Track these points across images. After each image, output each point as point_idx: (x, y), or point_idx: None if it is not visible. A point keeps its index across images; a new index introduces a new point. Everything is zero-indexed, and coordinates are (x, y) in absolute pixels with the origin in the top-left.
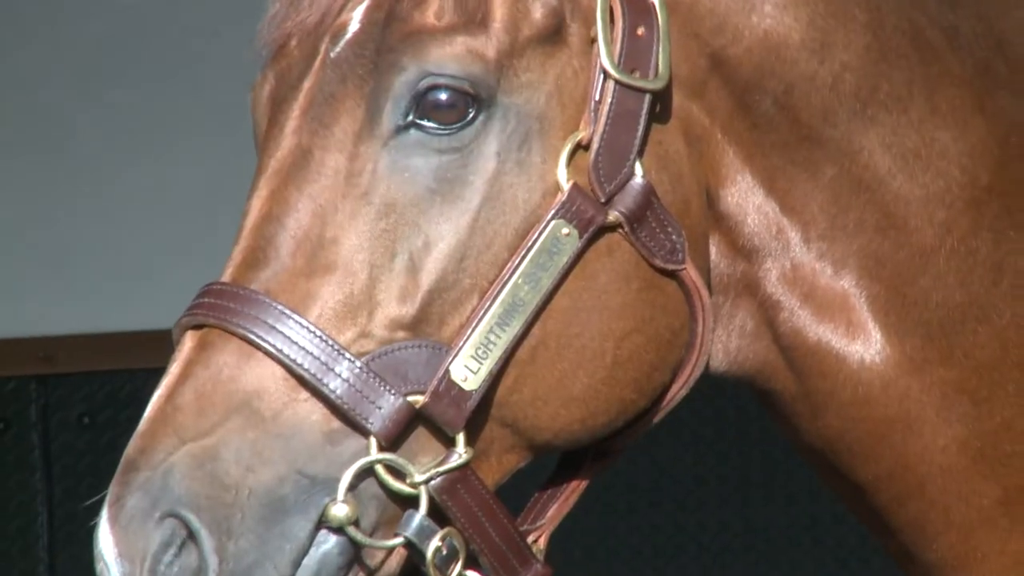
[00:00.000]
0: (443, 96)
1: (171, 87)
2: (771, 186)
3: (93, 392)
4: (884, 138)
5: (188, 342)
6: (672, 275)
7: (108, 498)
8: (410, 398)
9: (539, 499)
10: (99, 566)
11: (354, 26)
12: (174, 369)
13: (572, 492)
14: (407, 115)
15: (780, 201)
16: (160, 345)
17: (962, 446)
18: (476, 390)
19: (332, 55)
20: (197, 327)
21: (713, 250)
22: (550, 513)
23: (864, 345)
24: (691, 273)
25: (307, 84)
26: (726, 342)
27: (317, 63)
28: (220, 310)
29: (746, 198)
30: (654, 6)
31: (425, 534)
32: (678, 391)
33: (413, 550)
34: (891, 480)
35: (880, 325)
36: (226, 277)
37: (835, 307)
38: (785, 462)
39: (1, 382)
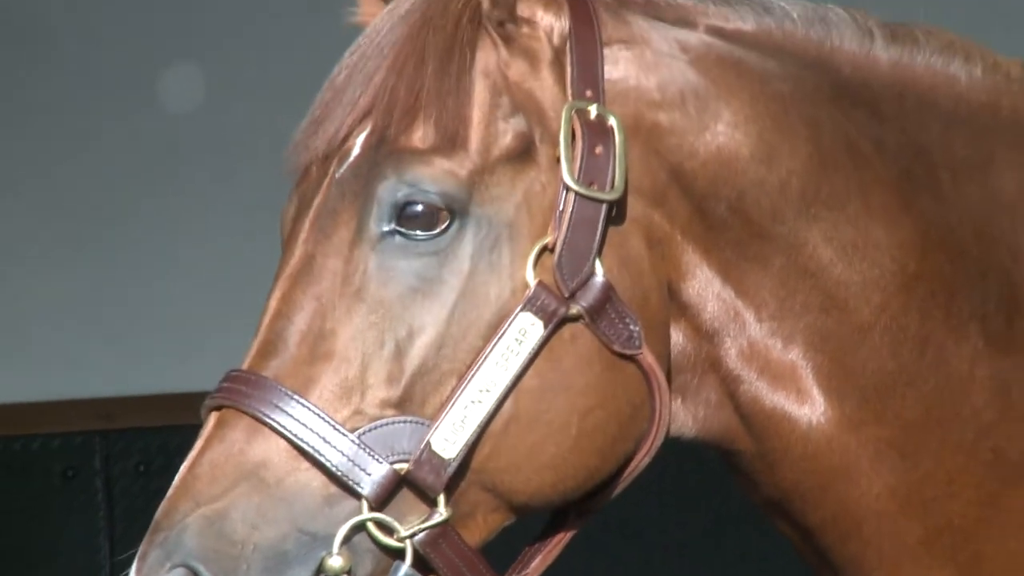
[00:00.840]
0: (419, 208)
1: (230, 174)
2: (726, 276)
3: (148, 445)
4: (826, 232)
5: (210, 421)
6: (631, 359)
7: (138, 554)
8: (396, 466)
9: (527, 552)
10: None
11: (355, 151)
12: (197, 444)
13: (556, 545)
14: (390, 222)
15: (735, 288)
16: (196, 404)
17: (891, 493)
18: (454, 459)
19: (337, 176)
20: (217, 408)
21: (680, 335)
22: (534, 564)
23: (811, 409)
24: (648, 358)
25: (317, 201)
26: (695, 412)
27: (326, 183)
28: (235, 393)
29: (705, 289)
30: (612, 129)
31: None
32: (642, 458)
33: None
34: (835, 522)
35: (823, 390)
36: (244, 365)
37: (786, 377)
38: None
39: (69, 437)
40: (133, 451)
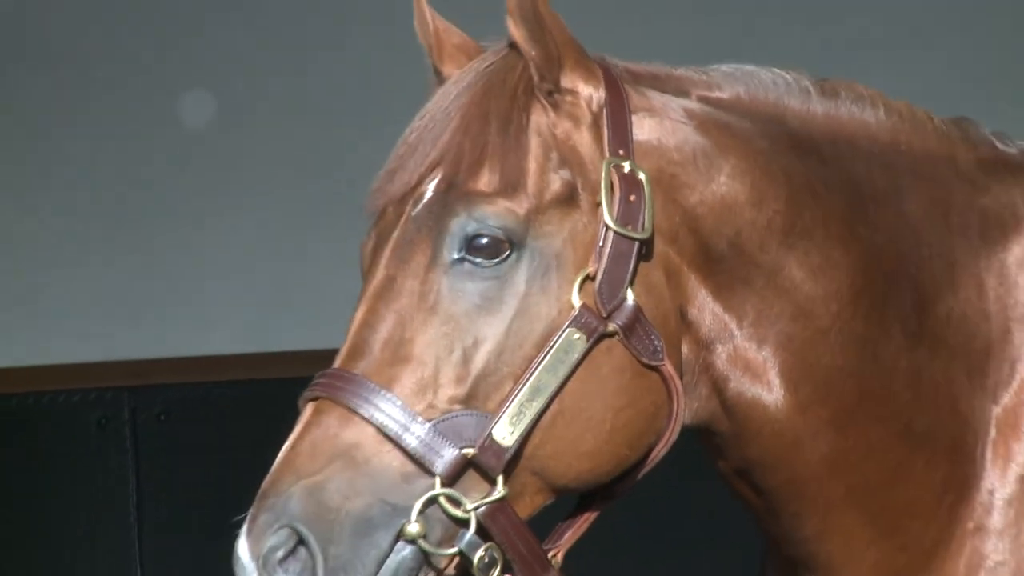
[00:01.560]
0: (484, 240)
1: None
2: (719, 296)
3: (168, 399)
4: (799, 258)
5: (307, 410)
6: (655, 369)
7: (248, 517)
8: (464, 451)
9: (560, 527)
10: (236, 567)
11: (428, 194)
12: (297, 428)
13: (584, 522)
14: (460, 252)
15: (724, 305)
16: (208, 365)
17: (825, 459)
18: (511, 447)
19: (413, 214)
20: (314, 399)
21: (685, 347)
22: (566, 537)
23: (776, 396)
24: (668, 368)
25: (395, 235)
26: (691, 406)
27: (403, 220)
28: (330, 388)
29: (704, 308)
30: (642, 181)
31: (473, 547)
32: (661, 449)
33: (464, 559)
34: (786, 484)
35: (785, 382)
36: (336, 365)
37: (759, 373)
38: None
39: (103, 392)
40: (155, 404)
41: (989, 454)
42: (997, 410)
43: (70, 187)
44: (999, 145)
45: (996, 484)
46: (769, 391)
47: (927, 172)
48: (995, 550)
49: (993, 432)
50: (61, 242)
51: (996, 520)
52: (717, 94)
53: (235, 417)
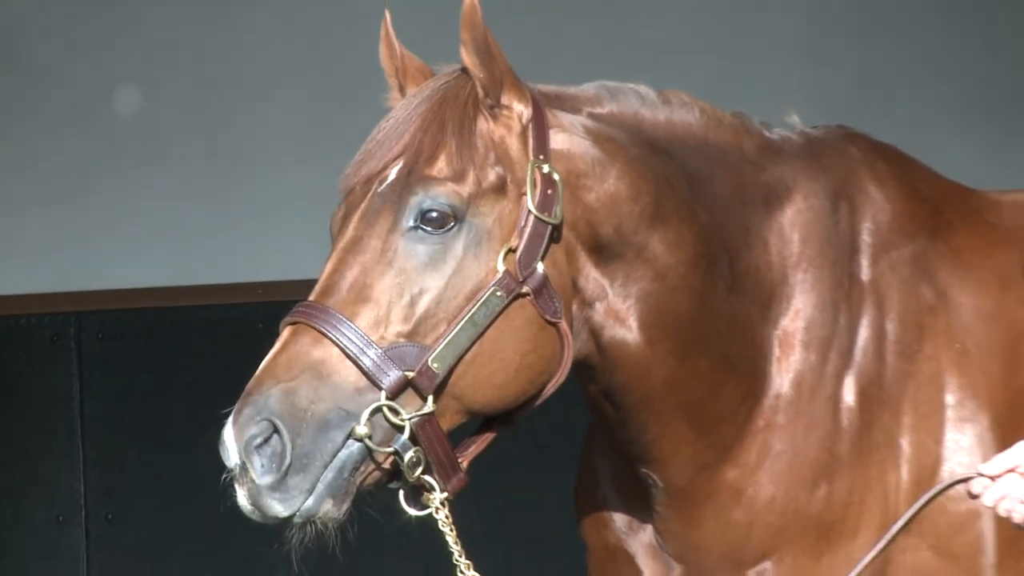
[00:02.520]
0: (435, 214)
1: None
2: (600, 267)
3: (104, 321)
4: (660, 236)
5: (287, 331)
6: (554, 324)
7: (234, 409)
8: (406, 373)
9: (466, 442)
10: (221, 448)
11: (391, 177)
12: (278, 344)
13: (485, 440)
14: (416, 221)
15: (603, 273)
16: (137, 295)
17: (666, 381)
18: (441, 374)
19: (378, 191)
20: (292, 324)
21: (574, 307)
22: (470, 449)
23: (635, 337)
24: (563, 325)
25: (363, 206)
26: (576, 347)
27: (369, 195)
28: (306, 315)
29: (589, 277)
30: (556, 180)
31: (405, 448)
32: (552, 386)
33: (397, 457)
34: (640, 401)
35: (642, 326)
36: (311, 299)
37: (624, 320)
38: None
39: (55, 316)
40: (95, 325)
41: (774, 369)
42: (779, 333)
43: (31, 154)
44: (766, 133)
45: (779, 391)
46: (630, 333)
47: (727, 159)
48: (778, 441)
49: (777, 351)
50: (21, 193)
51: (780, 418)
52: (599, 110)
53: (160, 337)
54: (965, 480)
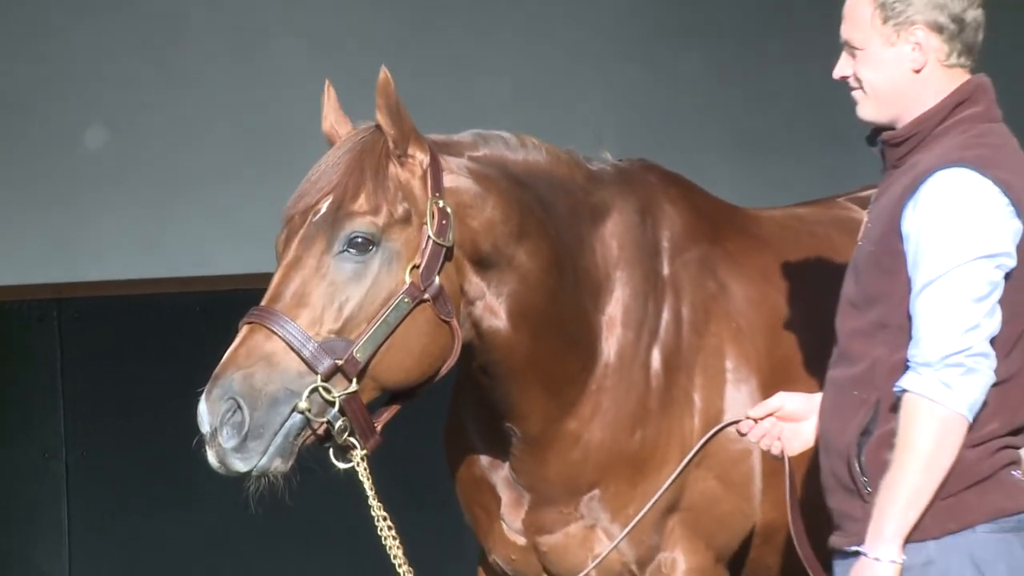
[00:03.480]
0: (359, 240)
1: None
2: (480, 274)
3: (82, 307)
4: (524, 249)
5: (245, 330)
6: (447, 322)
7: (205, 391)
8: (336, 361)
9: (379, 412)
10: (199, 419)
11: (323, 210)
12: (238, 339)
13: (393, 410)
14: (343, 246)
15: (482, 278)
16: (107, 286)
17: (526, 357)
18: (362, 362)
19: (313, 220)
20: (249, 323)
21: (462, 306)
22: (383, 417)
23: (504, 325)
24: (454, 322)
25: (301, 232)
26: (462, 336)
27: (306, 224)
28: (259, 317)
29: (472, 282)
30: (449, 213)
31: (335, 418)
32: (447, 368)
33: (330, 425)
34: (508, 372)
35: (509, 316)
36: (262, 304)
37: (497, 313)
38: None
39: (39, 301)
40: (74, 309)
41: (603, 345)
42: (605, 318)
43: (24, 173)
44: (590, 166)
45: (607, 361)
46: (501, 322)
47: (565, 186)
48: (606, 399)
49: (604, 332)
50: (14, 204)
51: (607, 382)
52: (476, 153)
53: (126, 319)
54: (737, 422)
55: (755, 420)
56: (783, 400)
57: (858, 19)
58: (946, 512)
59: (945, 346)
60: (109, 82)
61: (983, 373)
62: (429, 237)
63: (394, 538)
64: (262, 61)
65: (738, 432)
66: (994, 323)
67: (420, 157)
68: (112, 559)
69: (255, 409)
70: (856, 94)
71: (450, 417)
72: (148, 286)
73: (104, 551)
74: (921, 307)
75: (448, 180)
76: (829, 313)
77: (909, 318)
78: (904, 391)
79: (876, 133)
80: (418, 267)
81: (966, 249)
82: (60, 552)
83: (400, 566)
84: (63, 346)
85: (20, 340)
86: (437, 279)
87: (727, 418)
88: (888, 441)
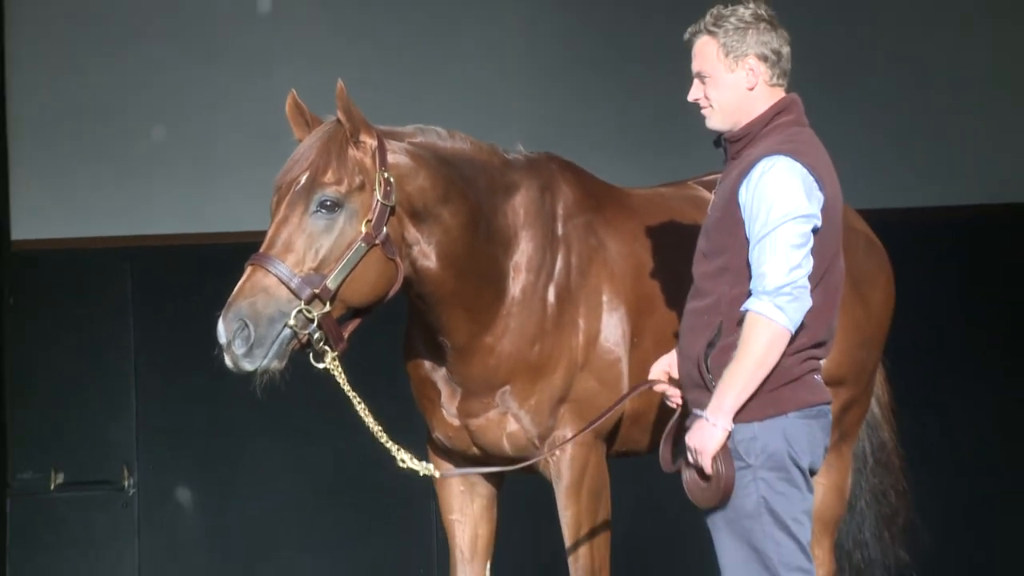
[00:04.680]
0: (328, 203)
1: None
2: (415, 226)
3: (146, 256)
4: (447, 208)
5: (248, 269)
6: (392, 260)
7: (221, 314)
8: (314, 290)
9: (346, 324)
10: (217, 335)
11: (302, 182)
12: (244, 277)
13: (355, 323)
14: (317, 207)
15: (417, 229)
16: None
17: (450, 290)
18: (333, 290)
19: (296, 189)
20: (251, 264)
21: (404, 249)
22: (349, 328)
23: (434, 264)
24: (398, 260)
25: (288, 198)
26: (403, 271)
27: (290, 192)
28: (258, 260)
29: (410, 232)
30: (391, 181)
31: (314, 332)
32: (394, 292)
33: (310, 336)
34: (439, 301)
35: (438, 259)
36: (260, 251)
37: (429, 256)
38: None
39: (120, 248)
40: (143, 259)
41: (511, 284)
42: (513, 264)
43: (110, 153)
44: (506, 155)
45: (514, 295)
46: (432, 263)
47: (485, 168)
48: (513, 321)
49: (512, 274)
50: (99, 176)
51: (514, 310)
52: (414, 140)
53: (185, 267)
54: (649, 383)
55: (661, 381)
56: (667, 359)
57: (707, 56)
58: (767, 402)
59: (778, 279)
60: (164, 90)
61: (804, 300)
62: (378, 200)
63: (369, 415)
64: (277, 79)
65: (650, 384)
66: (809, 264)
67: (370, 142)
68: (174, 437)
69: (257, 326)
70: (706, 111)
71: (406, 335)
72: (192, 239)
73: (167, 430)
74: (758, 253)
75: (391, 158)
76: (679, 263)
77: (745, 265)
78: (747, 311)
79: (719, 138)
80: (371, 221)
81: (787, 211)
82: (129, 423)
83: (380, 434)
84: (134, 289)
85: (98, 282)
86: (385, 229)
87: (603, 336)
88: (727, 351)
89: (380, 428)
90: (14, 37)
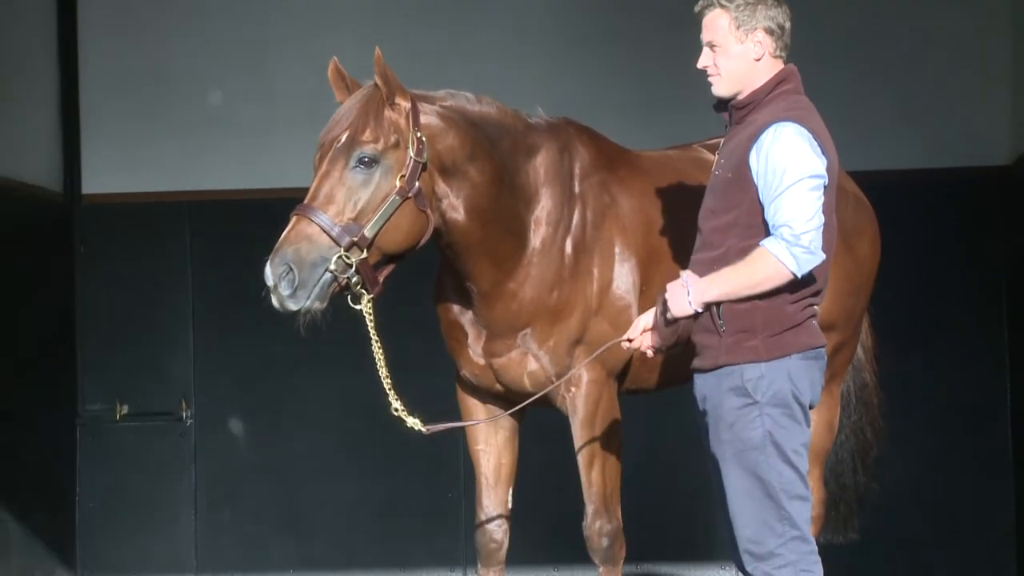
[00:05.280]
0: (366, 159)
1: None
2: (445, 181)
3: (203, 211)
4: (474, 166)
5: (293, 219)
6: (424, 212)
7: (268, 259)
8: (353, 238)
9: (382, 269)
10: (265, 278)
11: (343, 140)
12: (289, 226)
13: (389, 268)
14: (356, 163)
15: (447, 184)
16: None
17: (477, 239)
18: (370, 238)
19: (337, 147)
20: (296, 215)
21: (434, 202)
22: (385, 272)
23: (462, 216)
24: (428, 212)
25: (329, 155)
26: (434, 223)
27: (332, 149)
28: (302, 210)
29: (440, 186)
30: (423, 140)
31: (352, 275)
32: (425, 239)
33: (349, 280)
34: (465, 249)
35: (466, 211)
36: (305, 202)
37: (457, 208)
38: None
39: (179, 203)
40: (200, 211)
41: (531, 235)
42: (534, 218)
43: (168, 121)
44: (528, 119)
45: (534, 246)
46: (460, 215)
47: (509, 131)
48: (535, 269)
49: (533, 226)
50: (159, 135)
51: (535, 259)
52: (445, 103)
53: (238, 220)
54: (628, 339)
55: (630, 340)
56: (646, 317)
57: (718, 27)
58: (773, 345)
59: (799, 225)
60: (221, 56)
61: (818, 256)
62: (411, 157)
63: (383, 361)
64: (322, 48)
65: (629, 342)
66: (821, 219)
67: (404, 104)
68: (229, 374)
69: (301, 271)
70: (713, 78)
71: (436, 281)
72: (244, 194)
73: (221, 366)
74: (775, 208)
75: (423, 119)
76: (684, 219)
77: (755, 221)
78: (761, 246)
79: (721, 103)
80: (404, 176)
81: (802, 170)
82: (187, 360)
83: (385, 379)
84: (192, 240)
85: (159, 232)
86: (417, 184)
87: (615, 284)
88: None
89: (388, 376)
90: (85, 6)
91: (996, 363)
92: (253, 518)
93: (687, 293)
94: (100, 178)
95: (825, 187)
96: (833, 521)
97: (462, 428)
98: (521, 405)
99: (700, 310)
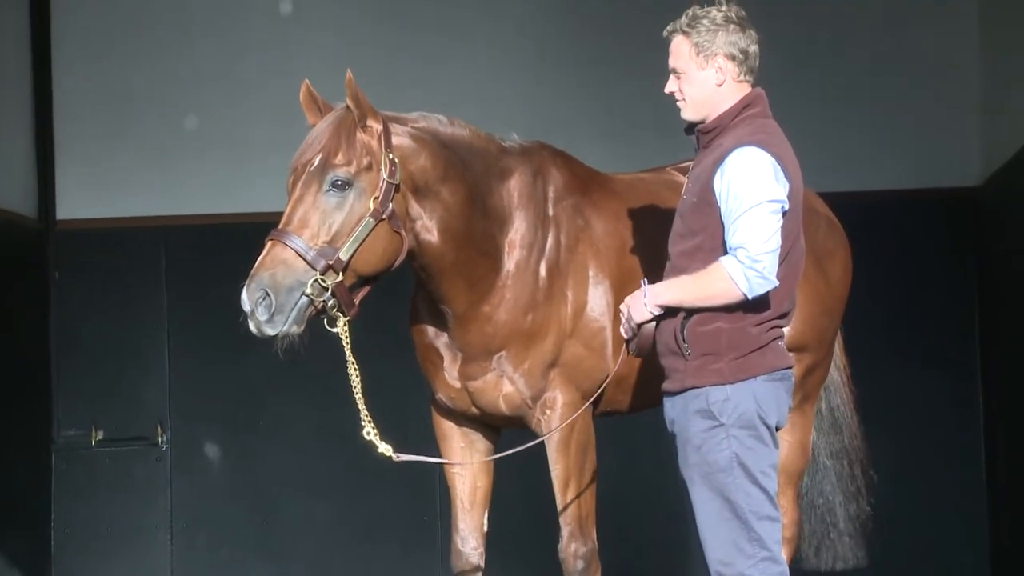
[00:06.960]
0: (339, 183)
1: None
2: (418, 202)
3: (177, 236)
4: (446, 187)
5: (268, 244)
6: (398, 233)
7: (244, 285)
8: (328, 261)
9: (356, 291)
10: (242, 303)
11: (315, 163)
12: (264, 251)
13: (365, 291)
14: (329, 187)
15: (420, 205)
16: (198, 219)
17: (453, 262)
18: (345, 261)
19: (310, 170)
20: (271, 240)
21: (407, 223)
22: (360, 295)
23: (436, 239)
24: (403, 233)
25: (303, 178)
26: (407, 244)
27: (306, 172)
28: (277, 235)
29: (413, 207)
30: (396, 162)
31: (328, 299)
32: (398, 262)
33: (325, 303)
34: (439, 271)
35: (439, 233)
36: (279, 227)
37: (430, 229)
38: None
39: (154, 228)
40: (176, 236)
41: (506, 258)
42: (508, 240)
43: (141, 145)
44: (502, 142)
45: (508, 269)
46: (433, 237)
47: (481, 154)
48: (509, 292)
49: (507, 249)
50: (136, 162)
51: (509, 282)
52: (417, 125)
53: (212, 244)
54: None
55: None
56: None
57: (681, 53)
58: (738, 367)
59: (755, 247)
60: (196, 81)
61: (771, 282)
62: (384, 178)
63: (358, 384)
64: (296, 73)
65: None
66: (778, 242)
67: (376, 126)
68: (203, 390)
69: (278, 295)
70: (680, 104)
71: (411, 305)
72: (219, 218)
73: (197, 391)
74: (734, 230)
75: (395, 140)
76: (657, 241)
77: (719, 245)
78: (719, 261)
79: (691, 127)
80: (378, 198)
81: (761, 194)
82: (163, 385)
83: (359, 399)
84: (167, 264)
85: (135, 257)
86: (391, 205)
87: (589, 307)
88: (700, 321)
89: (363, 400)
90: (59, 30)
91: (968, 384)
92: (229, 542)
93: (643, 296)
94: (74, 204)
95: (785, 212)
96: (831, 548)
97: (437, 449)
98: (500, 455)
99: (656, 312)
